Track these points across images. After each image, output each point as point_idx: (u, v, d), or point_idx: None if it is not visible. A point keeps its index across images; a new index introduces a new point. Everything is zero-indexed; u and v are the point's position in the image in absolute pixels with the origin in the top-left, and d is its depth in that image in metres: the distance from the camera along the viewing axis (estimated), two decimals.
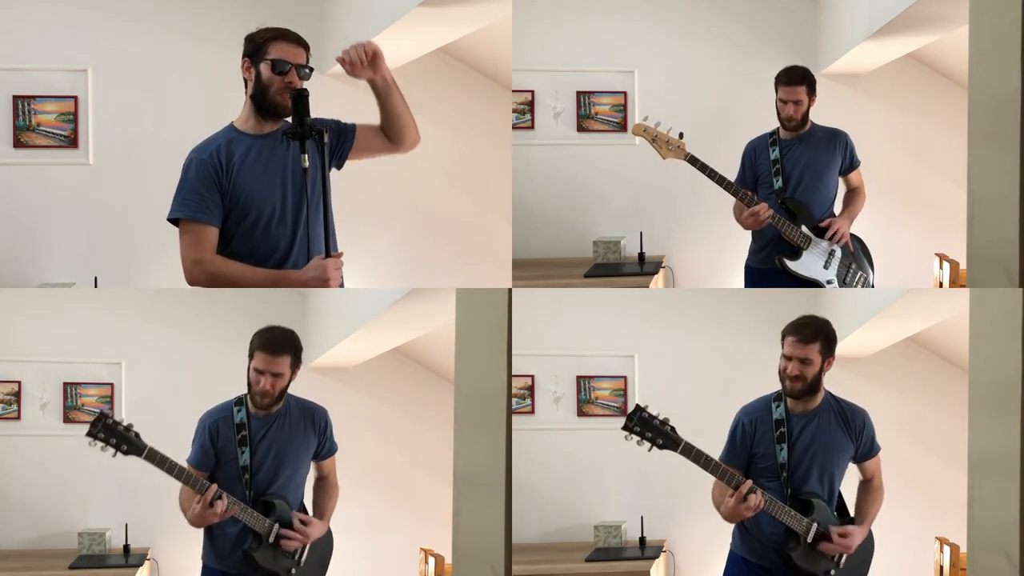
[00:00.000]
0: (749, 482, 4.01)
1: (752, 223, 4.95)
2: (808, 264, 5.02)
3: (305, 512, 4.31)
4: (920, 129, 6.41)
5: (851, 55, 5.99)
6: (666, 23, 6.37)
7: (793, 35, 6.33)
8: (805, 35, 6.33)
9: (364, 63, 3.81)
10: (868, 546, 4.30)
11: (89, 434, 3.95)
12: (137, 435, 3.99)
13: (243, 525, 4.14)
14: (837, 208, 5.15)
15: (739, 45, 6.34)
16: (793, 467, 4.13)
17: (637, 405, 4.02)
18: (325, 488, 4.42)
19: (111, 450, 3.95)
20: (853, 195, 5.19)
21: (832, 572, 4.17)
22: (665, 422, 4.01)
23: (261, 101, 3.90)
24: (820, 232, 5.03)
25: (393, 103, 3.93)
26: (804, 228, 5.00)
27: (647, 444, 4.00)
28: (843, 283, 5.11)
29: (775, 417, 4.15)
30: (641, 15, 6.36)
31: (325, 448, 4.36)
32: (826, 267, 5.05)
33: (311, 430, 4.31)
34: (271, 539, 4.15)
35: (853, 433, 4.25)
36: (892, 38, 5.74)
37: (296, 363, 4.21)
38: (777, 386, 4.22)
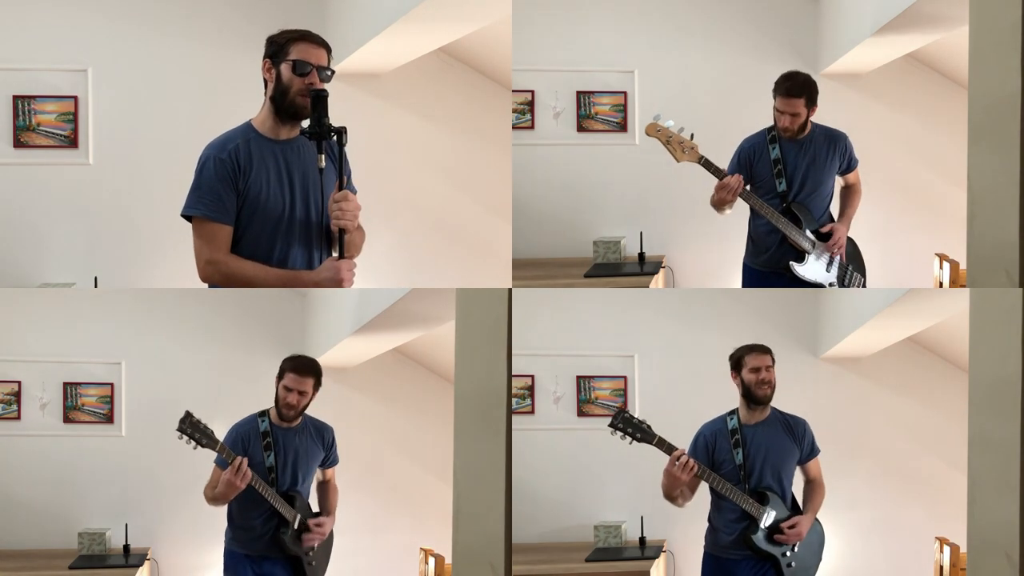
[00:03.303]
0: (680, 451, 4.60)
1: (723, 195, 4.90)
2: (813, 268, 5.02)
3: (311, 508, 4.94)
4: (920, 129, 6.41)
5: (851, 55, 5.99)
6: (666, 23, 6.37)
7: (793, 35, 6.33)
8: (805, 35, 6.33)
9: (355, 224, 3.93)
10: (819, 533, 4.83)
11: (179, 429, 4.57)
12: (213, 432, 4.61)
13: (268, 516, 4.75)
14: (833, 207, 5.15)
15: (739, 45, 6.34)
16: (749, 467, 4.66)
17: (619, 408, 4.74)
18: (328, 489, 5.03)
19: (193, 444, 4.59)
20: (849, 194, 5.19)
21: (787, 554, 4.68)
22: (643, 421, 4.62)
23: (281, 102, 3.91)
24: (821, 235, 5.04)
25: (352, 241, 3.97)
26: (808, 232, 5.00)
27: (628, 439, 4.62)
28: (842, 285, 5.12)
29: (730, 427, 4.70)
30: (641, 15, 6.36)
31: (330, 460, 4.99)
32: (828, 269, 5.05)
33: (320, 444, 4.93)
34: (296, 526, 4.79)
35: (797, 438, 4.76)
36: (892, 38, 5.74)
37: (317, 385, 4.84)
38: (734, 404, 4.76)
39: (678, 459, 4.55)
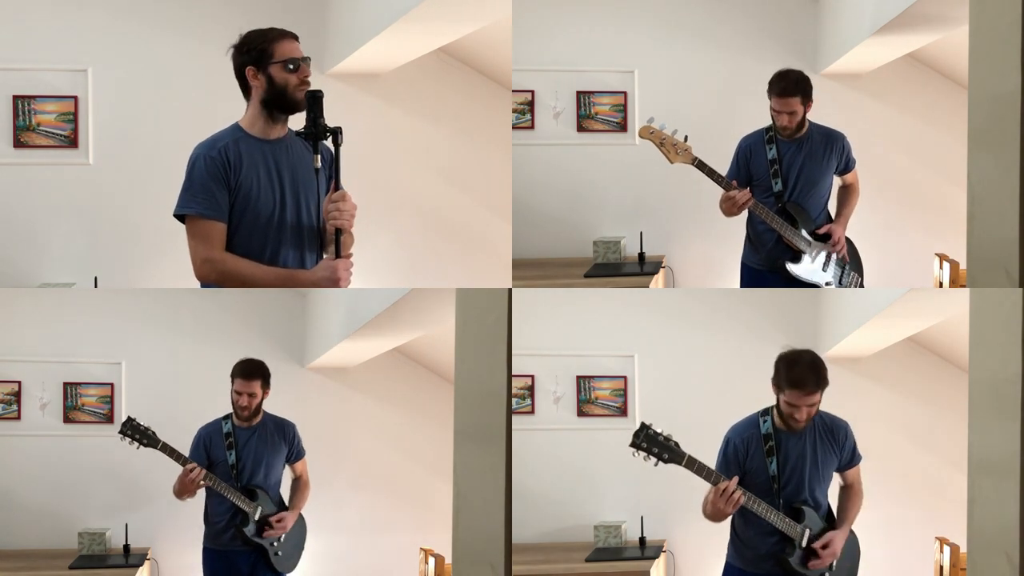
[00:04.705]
0: (735, 479, 4.17)
1: (728, 208, 4.92)
2: (809, 267, 5.01)
3: (283, 502, 5.21)
4: (920, 129, 6.41)
5: (851, 55, 5.99)
6: (666, 23, 6.37)
7: (793, 35, 6.33)
8: (805, 35, 6.33)
9: (351, 224, 3.92)
10: (854, 547, 4.45)
11: (120, 432, 4.98)
12: (154, 433, 4.99)
13: (232, 511, 5.05)
14: (831, 207, 5.14)
15: (739, 45, 6.34)
16: (784, 479, 4.28)
17: (643, 423, 4.20)
18: (299, 486, 5.30)
19: (136, 444, 4.96)
20: (847, 194, 5.18)
21: (825, 574, 4.33)
22: (669, 438, 4.18)
23: (279, 102, 3.91)
24: (818, 235, 5.03)
25: (345, 241, 3.97)
26: (804, 232, 4.99)
27: (653, 459, 4.18)
28: (839, 284, 5.11)
29: (763, 432, 4.28)
30: (641, 15, 6.36)
31: (295, 453, 5.24)
32: (824, 269, 5.05)
33: (282, 440, 5.19)
34: (256, 517, 5.05)
35: (837, 445, 4.38)
36: (892, 38, 5.74)
37: (265, 385, 5.12)
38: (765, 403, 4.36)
39: (723, 492, 4.14)
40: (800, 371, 4.19)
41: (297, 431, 5.22)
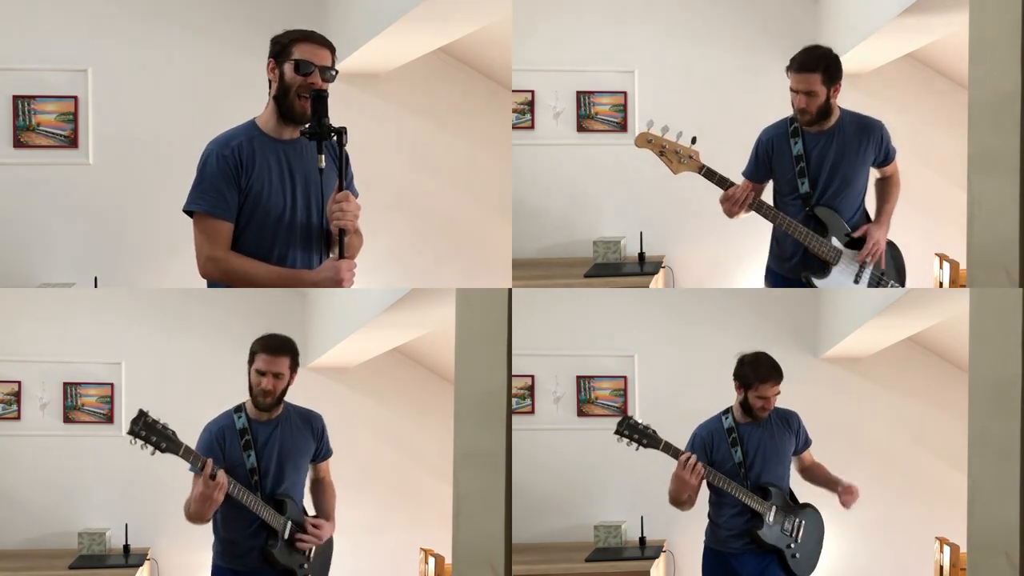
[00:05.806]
0: (688, 454, 4.61)
1: (729, 208, 4.40)
2: (837, 281, 4.52)
3: (306, 512, 4.50)
4: (920, 129, 6.40)
5: (851, 55, 5.99)
6: (666, 23, 6.37)
7: (793, 35, 6.32)
8: (805, 35, 6.32)
9: (354, 224, 3.91)
10: (820, 523, 4.89)
11: (130, 432, 4.11)
12: (174, 433, 4.14)
13: (256, 526, 4.30)
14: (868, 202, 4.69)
15: (739, 45, 6.34)
16: (748, 465, 4.68)
17: (625, 415, 4.81)
18: (324, 489, 4.60)
19: (150, 448, 4.11)
20: (886, 188, 4.65)
21: (791, 546, 4.74)
22: (648, 427, 4.63)
23: (283, 103, 3.91)
24: (851, 242, 4.53)
25: (350, 243, 3.95)
26: (835, 240, 4.51)
27: (635, 445, 4.63)
28: None
29: (726, 426, 4.70)
30: (641, 15, 6.36)
31: (322, 452, 4.55)
32: (856, 281, 4.55)
33: (309, 434, 4.48)
34: (286, 536, 4.33)
35: (792, 431, 4.80)
36: (892, 38, 5.73)
37: (294, 366, 4.37)
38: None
39: (687, 462, 4.59)
40: (766, 369, 4.63)
41: (325, 425, 4.52)
